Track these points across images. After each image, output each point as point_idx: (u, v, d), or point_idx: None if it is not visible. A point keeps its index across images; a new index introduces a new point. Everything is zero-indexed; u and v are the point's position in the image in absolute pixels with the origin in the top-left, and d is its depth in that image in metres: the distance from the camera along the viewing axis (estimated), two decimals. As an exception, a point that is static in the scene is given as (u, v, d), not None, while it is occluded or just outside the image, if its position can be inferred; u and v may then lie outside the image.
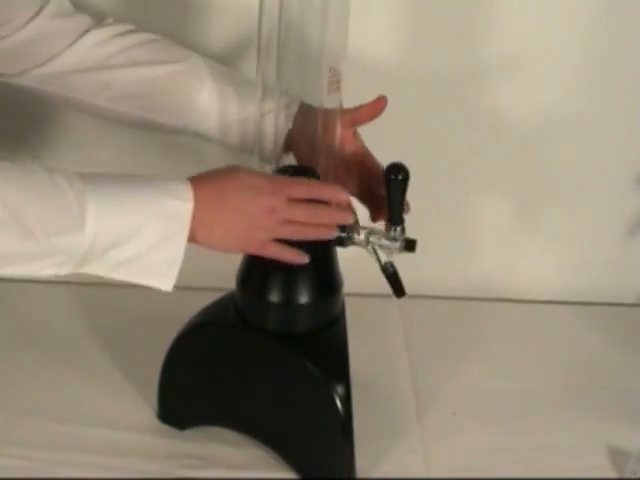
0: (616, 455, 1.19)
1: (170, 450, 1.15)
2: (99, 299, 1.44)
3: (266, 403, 1.11)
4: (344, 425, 1.06)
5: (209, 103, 1.14)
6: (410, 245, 1.07)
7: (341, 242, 1.06)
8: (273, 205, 0.99)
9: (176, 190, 0.96)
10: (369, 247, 1.07)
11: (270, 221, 0.99)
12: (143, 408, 1.21)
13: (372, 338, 1.37)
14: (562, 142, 1.46)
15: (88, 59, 1.13)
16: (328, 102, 1.07)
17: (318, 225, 1.02)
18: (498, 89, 1.41)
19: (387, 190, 1.04)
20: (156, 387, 1.18)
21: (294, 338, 1.09)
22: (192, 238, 0.96)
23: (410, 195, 1.42)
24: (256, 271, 1.09)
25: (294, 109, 1.12)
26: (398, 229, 1.06)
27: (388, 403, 1.26)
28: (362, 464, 1.11)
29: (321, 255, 1.08)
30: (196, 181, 0.98)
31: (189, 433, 1.18)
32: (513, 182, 1.49)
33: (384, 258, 1.08)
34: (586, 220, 1.51)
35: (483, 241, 1.52)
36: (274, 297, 1.08)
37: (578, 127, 1.45)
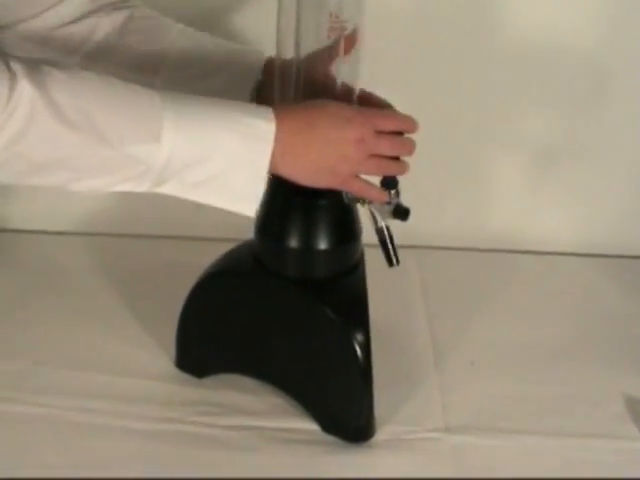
0: (634, 404, 1.19)
1: (188, 398, 1.15)
2: (114, 249, 1.45)
3: (285, 350, 1.11)
4: (363, 372, 1.06)
5: None
6: (399, 212, 1.03)
7: (346, 199, 1.05)
8: (362, 136, 0.96)
9: (258, 111, 0.93)
10: (365, 207, 1.06)
11: (358, 153, 0.96)
12: (161, 356, 1.21)
13: (389, 289, 1.34)
14: (577, 96, 1.45)
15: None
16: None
17: (399, 160, 1.00)
18: (516, 39, 1.40)
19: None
20: (173, 336, 1.18)
21: (313, 284, 1.08)
22: (274, 164, 0.93)
23: (428, 149, 1.43)
24: (275, 217, 1.08)
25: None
26: (392, 192, 1.03)
27: (406, 352, 1.26)
28: (380, 412, 1.10)
29: (342, 200, 1.07)
30: (281, 107, 0.95)
31: (207, 381, 1.18)
32: (529, 136, 1.48)
33: (380, 222, 1.06)
34: (601, 172, 1.51)
35: (499, 193, 1.51)
36: (293, 243, 1.07)
37: (593, 81, 1.44)
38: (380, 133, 0.98)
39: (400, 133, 1.01)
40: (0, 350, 1.21)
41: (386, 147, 0.99)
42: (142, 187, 0.91)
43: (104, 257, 1.43)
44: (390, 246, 1.07)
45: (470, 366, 1.25)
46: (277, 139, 0.92)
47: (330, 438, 1.10)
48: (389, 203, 1.03)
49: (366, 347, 1.05)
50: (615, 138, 1.48)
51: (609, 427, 1.15)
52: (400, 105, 1.35)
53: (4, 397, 1.13)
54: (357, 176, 0.98)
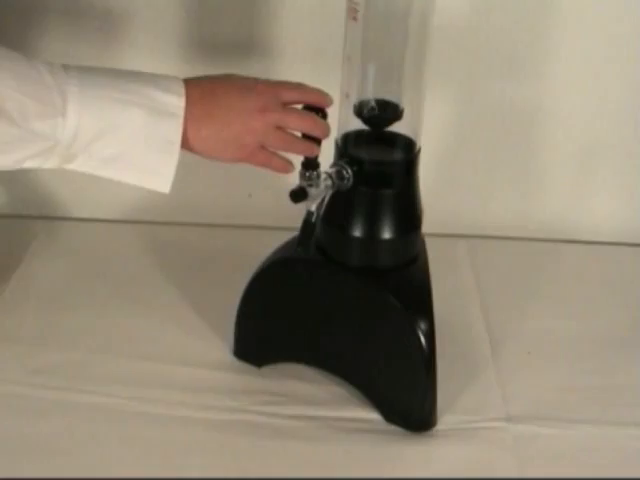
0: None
1: (248, 387, 1.15)
2: (167, 238, 1.45)
3: (347, 340, 1.11)
4: (427, 361, 1.06)
5: None
6: (292, 194, 1.00)
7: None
8: (266, 105, 0.95)
9: (168, 84, 0.91)
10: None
11: (262, 122, 0.95)
12: (218, 346, 1.21)
13: (442, 278, 1.31)
14: (626, 76, 1.44)
15: None
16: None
17: (310, 139, 0.99)
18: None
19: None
20: (230, 325, 1.18)
21: (376, 273, 1.08)
22: (184, 139, 0.91)
23: (477, 137, 1.44)
24: (339, 206, 1.07)
25: None
26: (314, 174, 1.01)
27: (462, 342, 1.25)
28: (440, 402, 1.10)
29: (406, 189, 1.07)
30: (189, 80, 0.94)
31: (266, 370, 1.18)
32: (580, 123, 1.47)
33: (312, 205, 1.02)
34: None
35: (550, 182, 1.50)
36: (357, 232, 1.07)
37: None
38: (287, 106, 0.97)
39: (322, 113, 1.00)
40: (56, 339, 1.22)
41: (292, 120, 0.97)
42: (51, 163, 0.89)
43: (157, 245, 1.43)
44: (307, 230, 1.04)
45: (527, 356, 1.24)
46: (186, 113, 0.90)
47: (392, 427, 1.10)
48: (307, 178, 1.00)
49: (430, 335, 1.05)
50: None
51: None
52: (449, 92, 1.37)
53: (61, 386, 1.13)
54: (264, 148, 0.97)
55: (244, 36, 1.39)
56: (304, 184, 1.01)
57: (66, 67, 0.89)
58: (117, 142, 0.89)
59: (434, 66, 1.25)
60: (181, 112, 0.91)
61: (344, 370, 1.13)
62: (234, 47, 1.39)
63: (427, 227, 1.31)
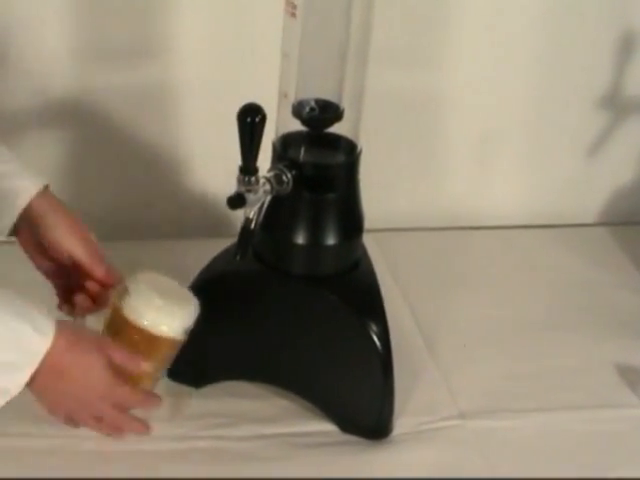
0: (626, 372, 1.20)
1: (191, 411, 1.09)
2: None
3: (295, 351, 1.06)
4: (384, 363, 1.03)
5: None
6: (230, 201, 0.95)
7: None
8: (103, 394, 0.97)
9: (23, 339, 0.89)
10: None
11: (99, 408, 0.97)
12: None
13: None
14: (523, 66, 1.45)
15: None
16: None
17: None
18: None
19: (241, 134, 0.93)
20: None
21: (322, 280, 1.04)
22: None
23: (377, 127, 1.40)
24: (281, 213, 1.03)
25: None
26: (252, 179, 0.95)
27: (395, 340, 1.20)
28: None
29: (348, 193, 1.04)
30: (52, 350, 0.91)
31: (206, 391, 1.12)
32: (477, 108, 1.47)
33: (250, 212, 0.98)
34: (545, 142, 1.52)
35: (452, 170, 1.50)
36: (299, 239, 1.02)
37: (541, 51, 1.44)
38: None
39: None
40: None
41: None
42: None
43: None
44: (245, 238, 0.99)
45: (463, 349, 1.23)
46: (32, 384, 0.90)
47: (350, 437, 1.06)
48: (245, 184, 0.96)
49: (385, 337, 1.02)
50: (563, 109, 1.48)
51: (610, 397, 1.17)
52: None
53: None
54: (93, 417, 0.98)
55: (137, 39, 1.33)
56: (242, 190, 0.95)
57: None
58: None
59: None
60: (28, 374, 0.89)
61: (292, 382, 1.09)
62: (127, 53, 1.33)
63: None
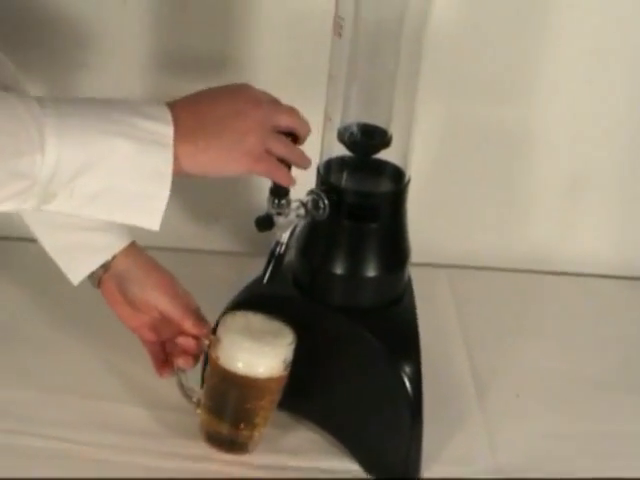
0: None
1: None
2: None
3: (325, 383, 1.02)
4: (413, 408, 0.97)
5: None
6: (258, 222, 0.93)
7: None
8: (257, 98, 0.87)
9: (153, 111, 0.82)
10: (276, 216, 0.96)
11: (260, 117, 0.86)
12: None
13: (422, 311, 1.23)
14: (621, 107, 1.38)
15: None
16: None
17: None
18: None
19: None
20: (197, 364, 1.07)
21: (359, 313, 1.00)
22: (177, 167, 0.82)
23: (461, 164, 1.36)
24: (320, 240, 1.00)
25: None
26: (283, 202, 0.93)
27: (445, 382, 1.17)
28: (425, 450, 1.01)
29: (392, 224, 1.00)
30: (175, 104, 0.85)
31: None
32: (567, 149, 1.40)
33: (282, 236, 0.96)
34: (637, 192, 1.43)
35: (535, 212, 1.43)
36: (338, 269, 0.99)
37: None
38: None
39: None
40: (5, 376, 1.12)
41: (284, 117, 0.89)
42: (28, 204, 0.79)
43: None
44: (274, 262, 0.97)
45: (515, 399, 1.16)
46: (176, 140, 0.82)
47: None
48: (276, 206, 0.93)
49: (417, 380, 0.97)
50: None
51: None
52: (432, 114, 1.29)
53: (9, 428, 1.03)
54: (268, 154, 0.87)
55: (215, 53, 1.32)
56: (272, 212, 0.92)
57: (39, 99, 0.79)
58: (101, 177, 0.80)
59: (420, 83, 1.19)
60: (170, 141, 0.81)
61: (320, 415, 1.05)
62: (205, 66, 1.31)
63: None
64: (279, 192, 0.91)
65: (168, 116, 0.82)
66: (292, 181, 0.90)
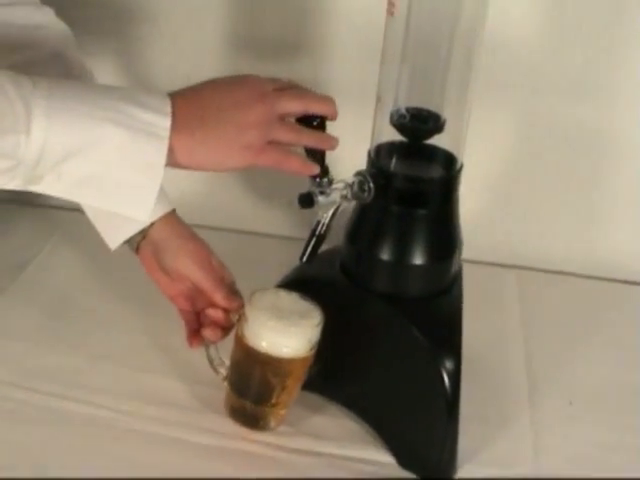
0: None
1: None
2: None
3: (365, 372, 1.00)
4: (449, 404, 0.95)
5: None
6: (300, 198, 0.91)
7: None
8: (261, 91, 0.84)
9: (151, 101, 0.80)
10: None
11: (262, 111, 0.83)
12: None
13: (485, 310, 1.25)
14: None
15: None
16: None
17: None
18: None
19: (308, 152, 0.90)
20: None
21: (403, 302, 0.97)
22: (173, 160, 0.81)
23: (537, 160, 1.33)
24: (367, 225, 0.98)
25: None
26: (324, 181, 0.91)
27: (498, 383, 1.14)
28: (463, 449, 0.99)
29: (442, 211, 0.97)
30: (175, 94, 0.83)
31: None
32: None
33: (323, 215, 0.94)
34: None
35: (615, 217, 1.38)
36: (385, 255, 0.96)
37: None
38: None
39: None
40: (58, 341, 1.14)
41: (293, 103, 0.86)
42: (12, 184, 0.78)
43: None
44: (313, 242, 0.95)
45: (568, 406, 1.12)
46: (173, 132, 0.79)
47: (405, 473, 0.99)
48: (317, 185, 0.91)
49: (455, 376, 0.94)
50: None
51: None
52: (512, 110, 1.28)
53: (54, 392, 1.05)
54: (273, 144, 0.84)
55: (291, 34, 1.31)
56: (314, 190, 0.91)
57: (35, 80, 0.78)
58: (90, 163, 0.78)
59: (497, 81, 1.21)
60: (166, 133, 0.79)
61: (359, 404, 1.03)
62: (279, 46, 1.31)
63: (475, 254, 1.25)
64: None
65: (167, 107, 0.80)
66: (309, 169, 0.88)
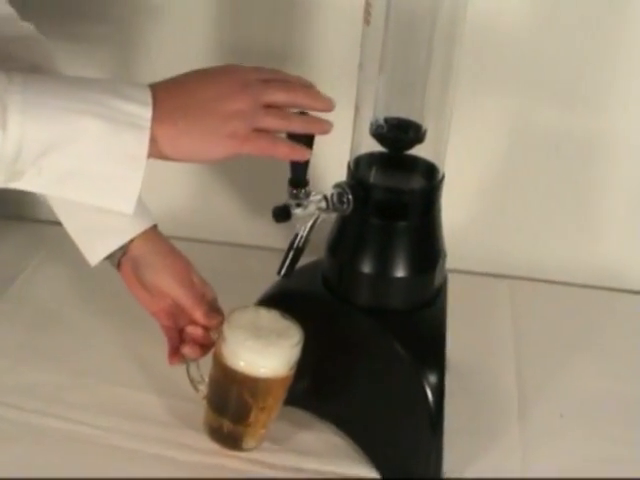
0: None
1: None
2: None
3: (347, 385, 0.99)
4: (433, 418, 0.93)
5: None
6: (274, 212, 0.90)
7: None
8: (245, 80, 0.82)
9: (131, 92, 0.79)
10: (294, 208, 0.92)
11: (246, 100, 0.81)
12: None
13: (476, 321, 1.24)
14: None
15: None
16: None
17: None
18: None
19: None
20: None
21: (385, 315, 0.96)
22: (155, 151, 0.79)
23: (527, 168, 1.31)
24: (348, 237, 0.96)
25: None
26: (302, 193, 0.89)
27: (487, 395, 1.12)
28: (451, 463, 0.97)
29: (424, 222, 0.95)
30: (157, 85, 0.81)
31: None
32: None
33: (300, 228, 0.92)
34: None
35: (607, 226, 1.36)
36: (366, 268, 0.95)
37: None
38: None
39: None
40: (41, 357, 1.13)
41: (279, 93, 0.83)
42: None
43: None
44: (291, 255, 0.93)
45: (558, 419, 1.10)
46: (155, 122, 0.78)
47: (390, 490, 0.97)
48: (294, 197, 0.90)
49: (438, 390, 0.92)
50: None
51: None
52: (502, 118, 1.26)
53: (36, 409, 1.04)
54: (257, 130, 0.81)
55: (277, 43, 1.30)
56: (290, 202, 0.89)
57: (11, 75, 0.77)
58: (70, 157, 0.77)
59: (486, 87, 1.20)
60: (147, 123, 0.77)
61: (342, 419, 1.01)
62: (265, 55, 1.29)
63: (466, 264, 1.28)
64: (297, 182, 0.88)
65: (148, 98, 0.79)
66: (299, 153, 0.84)
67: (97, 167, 0.78)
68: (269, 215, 1.33)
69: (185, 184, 1.41)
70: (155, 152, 0.79)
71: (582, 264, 1.36)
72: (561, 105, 1.28)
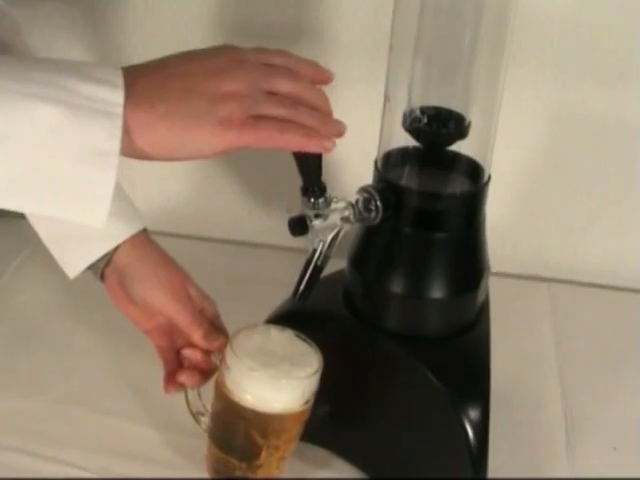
0: None
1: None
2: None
3: (373, 421, 0.87)
4: (475, 460, 0.81)
5: None
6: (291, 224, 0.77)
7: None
8: (241, 56, 0.68)
9: (98, 73, 0.63)
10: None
11: (243, 78, 0.66)
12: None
13: (514, 332, 1.12)
14: None
15: None
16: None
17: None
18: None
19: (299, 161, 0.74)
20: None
21: (418, 342, 0.84)
22: (128, 145, 0.63)
23: (568, 161, 1.22)
24: (374, 251, 0.84)
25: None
26: (319, 202, 0.77)
27: (529, 423, 1.00)
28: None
29: (466, 234, 0.83)
30: (131, 68, 0.66)
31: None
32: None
33: (316, 241, 0.79)
34: None
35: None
36: (397, 287, 0.83)
37: None
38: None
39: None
40: (19, 381, 1.01)
41: (284, 84, 0.68)
42: None
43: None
44: (308, 275, 0.80)
45: (612, 452, 0.98)
46: (128, 107, 0.62)
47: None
48: (311, 206, 0.77)
49: (481, 428, 0.81)
50: None
51: None
52: (537, 104, 1.18)
53: (12, 446, 0.92)
54: (257, 117, 0.66)
55: (288, 18, 1.18)
56: (308, 212, 0.77)
57: None
58: (20, 154, 0.61)
59: (518, 69, 1.04)
60: (118, 109, 0.62)
61: (363, 457, 0.90)
62: (276, 33, 1.18)
63: (503, 266, 1.16)
64: (310, 187, 0.76)
65: (118, 79, 0.63)
66: (319, 144, 0.67)
67: (54, 166, 0.62)
68: (279, 209, 1.24)
69: (186, 177, 1.30)
70: (127, 145, 0.63)
71: (627, 267, 1.28)
72: (608, 91, 1.17)
